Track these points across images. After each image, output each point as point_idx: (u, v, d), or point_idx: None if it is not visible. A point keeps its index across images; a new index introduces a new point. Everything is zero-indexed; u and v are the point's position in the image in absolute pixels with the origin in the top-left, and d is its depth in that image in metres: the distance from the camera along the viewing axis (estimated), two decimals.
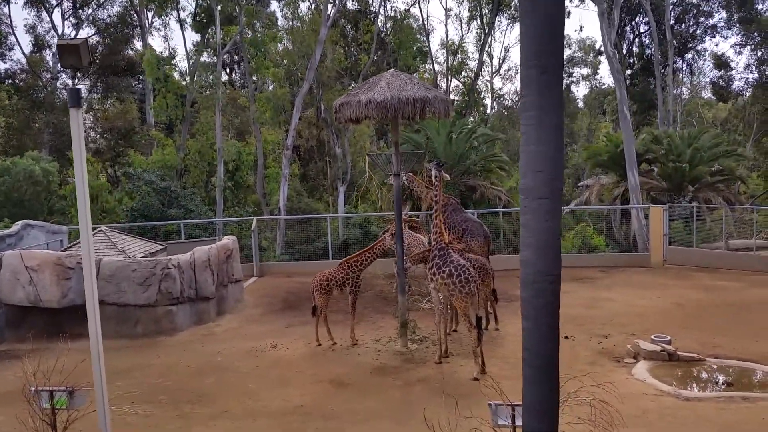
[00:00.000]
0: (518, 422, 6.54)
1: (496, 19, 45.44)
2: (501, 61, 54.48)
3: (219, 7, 26.12)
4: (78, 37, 34.57)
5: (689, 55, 36.83)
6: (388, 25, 33.34)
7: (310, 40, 24.71)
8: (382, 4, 31.53)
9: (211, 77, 26.25)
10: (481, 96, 56.39)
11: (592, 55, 54.18)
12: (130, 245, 14.97)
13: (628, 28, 36.27)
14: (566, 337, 12.01)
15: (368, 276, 17.57)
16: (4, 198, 25.78)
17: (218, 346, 12.19)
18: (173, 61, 28.94)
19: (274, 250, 23.30)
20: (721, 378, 9.89)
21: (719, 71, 38.13)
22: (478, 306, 10.13)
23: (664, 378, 9.64)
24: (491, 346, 11.64)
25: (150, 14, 34.75)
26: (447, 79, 37.50)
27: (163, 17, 32.43)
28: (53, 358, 11.79)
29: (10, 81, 37.08)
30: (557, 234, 4.20)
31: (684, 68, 37.46)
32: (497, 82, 64.62)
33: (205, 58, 33.03)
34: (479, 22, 35.70)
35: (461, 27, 40.69)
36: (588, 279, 18.70)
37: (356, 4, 31.74)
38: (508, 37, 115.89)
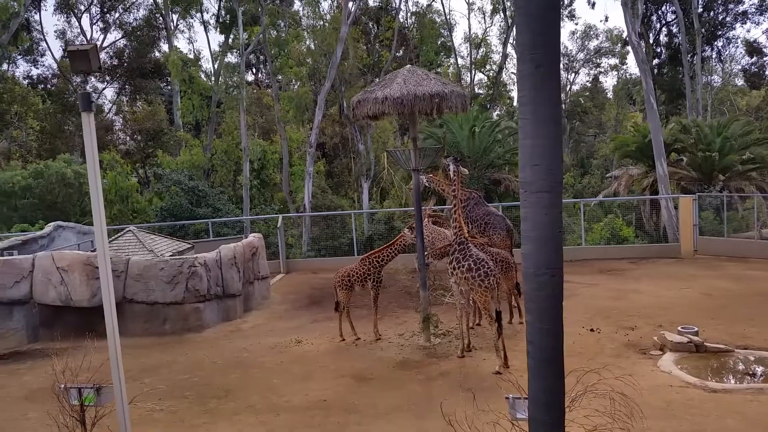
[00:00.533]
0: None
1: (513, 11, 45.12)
2: None
3: (242, 9, 26.36)
4: (90, 42, 35.26)
5: (719, 43, 36.00)
6: (409, 21, 33.28)
7: (331, 38, 24.79)
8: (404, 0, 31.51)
9: (235, 77, 26.51)
10: (508, 89, 56.20)
11: (619, 45, 53.39)
12: (158, 244, 15.27)
13: (654, 17, 35.58)
14: (592, 330, 11.93)
15: (392, 271, 17.68)
16: (39, 200, 26.48)
17: (244, 342, 12.38)
18: (198, 63, 29.27)
19: (300, 246, 23.52)
20: (750, 369, 9.71)
21: (751, 58, 37.23)
22: (498, 300, 10.10)
23: (690, 370, 9.51)
24: (515, 340, 11.59)
25: (175, 17, 35.22)
26: (470, 73, 37.32)
27: (187, 19, 32.82)
28: (82, 356, 12.15)
29: (42, 86, 37.98)
30: (557, 227, 4.19)
31: (713, 56, 36.58)
32: None
33: (230, 58, 33.48)
34: (502, 15, 35.36)
35: (484, 20, 40.48)
36: (616, 271, 18.50)
37: (378, 0, 31.76)
38: None
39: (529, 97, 4.01)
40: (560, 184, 4.21)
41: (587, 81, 58.79)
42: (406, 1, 31.70)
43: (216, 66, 27.18)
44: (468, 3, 38.39)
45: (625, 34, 47.71)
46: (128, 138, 38.91)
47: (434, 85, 10.49)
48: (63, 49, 39.77)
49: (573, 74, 57.66)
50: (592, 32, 55.11)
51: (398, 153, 12.05)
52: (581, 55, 56.96)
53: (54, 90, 37.58)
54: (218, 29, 29.91)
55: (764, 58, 34.97)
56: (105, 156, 27.65)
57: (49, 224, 16.76)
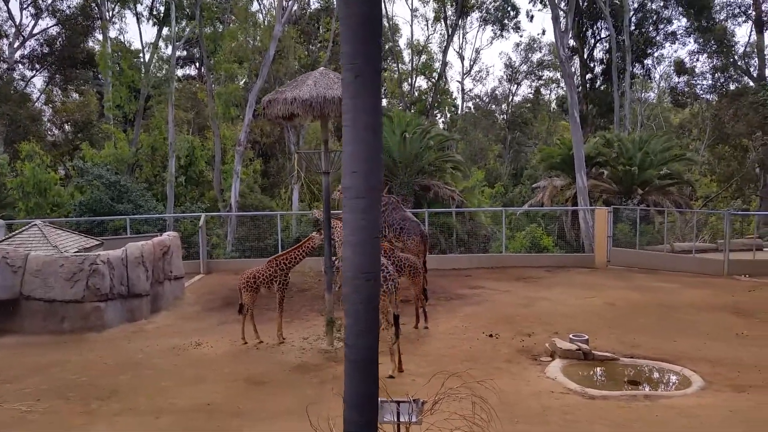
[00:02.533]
0: (403, 418, 6.66)
1: (467, 20, 45.94)
2: (472, 63, 55.19)
3: (174, 2, 25.87)
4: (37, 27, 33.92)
5: (649, 61, 37.47)
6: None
7: (264, 36, 24.59)
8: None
9: (164, 71, 25.97)
10: (453, 97, 56.98)
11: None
12: (64, 240, 14.77)
13: (589, 33, 36.77)
14: (491, 335, 12.21)
15: (301, 274, 17.67)
16: None
17: (143, 344, 12.12)
18: (128, 54, 28.47)
19: (225, 247, 23.18)
20: (631, 377, 10.11)
21: (679, 77, 38.87)
22: (397, 304, 10.21)
23: (574, 376, 9.84)
24: (416, 345, 11.78)
25: (111, 6, 34.20)
26: (411, 79, 37.63)
27: (118, 10, 31.92)
28: None
29: None
30: (374, 233, 4.29)
31: (643, 73, 38.03)
32: (468, 83, 65.15)
33: (166, 51, 32.70)
34: (443, 23, 35.84)
35: (427, 28, 40.91)
36: (532, 278, 18.99)
37: (319, 2, 31.76)
38: (479, 39, 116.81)
39: (350, 105, 4.10)
40: (377, 190, 4.30)
41: (529, 92, 60.18)
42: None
43: (146, 59, 26.56)
44: (411, 9, 38.72)
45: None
46: (56, 129, 37.55)
47: None
48: None
49: (515, 85, 58.94)
50: (535, 45, 56.48)
51: (309, 155, 12.04)
52: (524, 67, 58.21)
53: None
54: (151, 21, 29.23)
55: (687, 78, 36.50)
56: (24, 146, 26.58)
57: None
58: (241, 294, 11.94)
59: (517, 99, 59.95)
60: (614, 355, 10.77)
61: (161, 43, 28.40)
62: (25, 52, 37.65)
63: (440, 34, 37.88)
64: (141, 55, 27.44)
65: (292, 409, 8.29)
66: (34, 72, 38.44)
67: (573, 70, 42.54)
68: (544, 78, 59.15)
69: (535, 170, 34.63)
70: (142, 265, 14.36)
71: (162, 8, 28.27)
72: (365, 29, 4.01)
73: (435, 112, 54.42)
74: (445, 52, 36.00)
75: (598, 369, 10.40)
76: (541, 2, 34.65)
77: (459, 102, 56.16)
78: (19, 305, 12.69)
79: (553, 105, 57.56)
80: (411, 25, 42.63)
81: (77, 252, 14.11)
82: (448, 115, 55.35)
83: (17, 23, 37.13)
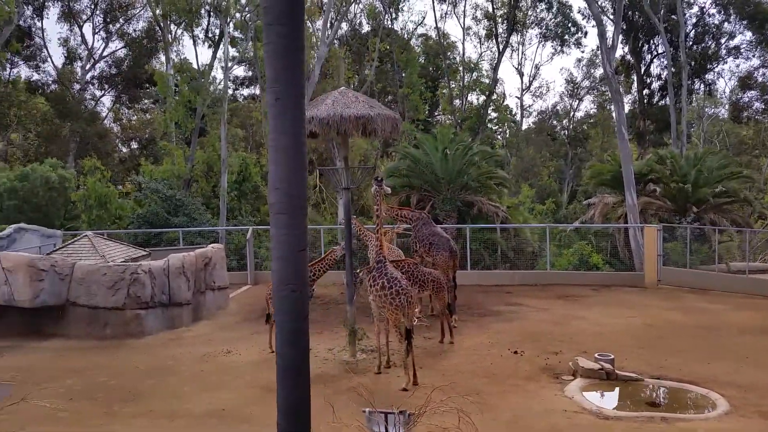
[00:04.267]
0: (391, 429, 6.75)
1: (525, 36, 45.70)
2: (531, 78, 54.76)
3: (230, 24, 27.03)
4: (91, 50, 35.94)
5: (709, 76, 36.18)
6: (394, 45, 33.82)
7: (308, 57, 25.28)
8: (392, 23, 32.12)
9: (218, 91, 27.08)
10: (513, 113, 56.56)
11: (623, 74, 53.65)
12: (112, 250, 15.60)
13: (645, 48, 35.89)
14: (515, 352, 12.08)
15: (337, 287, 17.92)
16: (22, 203, 26.97)
17: (177, 350, 12.62)
18: (185, 74, 29.85)
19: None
20: (651, 398, 9.82)
21: (743, 93, 37.39)
22: (410, 318, 10.29)
23: (593, 396, 9.64)
24: (438, 359, 11.80)
25: (174, 29, 35.95)
26: (462, 96, 37.70)
27: (181, 32, 33.51)
28: (22, 355, 12.47)
29: (40, 91, 38.82)
30: (298, 247, 4.45)
31: (702, 89, 36.74)
32: (528, 99, 64.55)
33: (220, 73, 34.07)
34: (494, 41, 35.83)
35: (480, 45, 40.99)
36: (574, 297, 18.61)
37: (369, 24, 32.42)
38: (539, 54, 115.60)
39: (271, 126, 4.34)
40: (300, 207, 4.46)
41: (592, 108, 58.94)
42: (391, 25, 32.23)
43: (201, 79, 27.75)
44: (463, 28, 38.82)
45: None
46: (122, 146, 39.67)
47: (361, 108, 10.79)
48: (65, 56, 40.74)
49: (577, 101, 57.93)
50: (597, 60, 55.33)
51: (330, 172, 12.34)
52: (587, 83, 57.11)
53: (52, 95, 38.37)
54: (207, 43, 30.60)
55: (751, 93, 35.05)
56: (86, 162, 28.18)
57: (10, 226, 17.17)
58: (268, 304, 12.29)
59: (579, 114, 58.93)
60: (639, 375, 10.48)
61: (220, 64, 29.71)
62: (95, 74, 40.01)
63: (491, 51, 37.90)
64: (197, 75, 28.69)
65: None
66: (103, 92, 40.77)
67: (630, 85, 41.72)
68: (607, 93, 57.84)
69: (588, 187, 33.93)
70: (183, 276, 14.98)
71: (217, 31, 29.52)
72: (286, 56, 4.23)
73: (495, 129, 54.25)
74: (495, 69, 35.94)
75: (620, 389, 10.14)
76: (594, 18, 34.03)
77: (518, 118, 55.86)
78: (66, 311, 13.48)
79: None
80: (463, 43, 42.49)
81: (123, 262, 14.87)
82: (507, 131, 54.99)
83: (89, 46, 39.54)
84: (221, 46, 28.25)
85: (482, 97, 37.56)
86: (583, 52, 74.27)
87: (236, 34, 28.82)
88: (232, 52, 28.65)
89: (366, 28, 32.19)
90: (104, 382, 10.47)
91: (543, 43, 47.37)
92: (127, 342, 13.28)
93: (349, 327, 11.76)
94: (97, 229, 23.86)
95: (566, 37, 44.33)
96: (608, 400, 9.67)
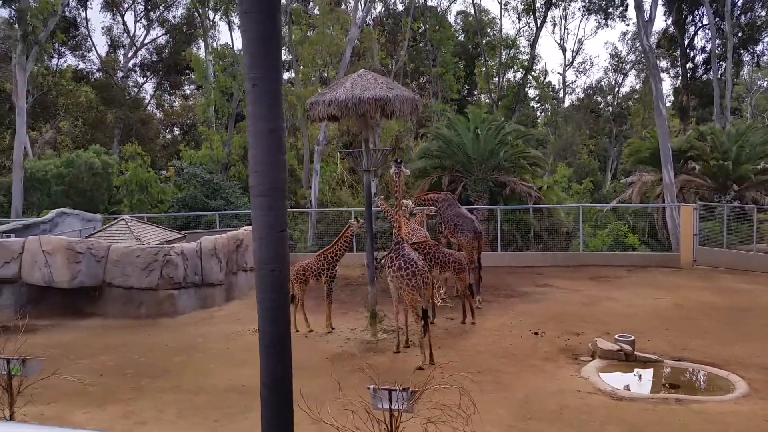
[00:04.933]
0: (395, 406, 6.93)
1: (561, 11, 44.64)
2: (574, 54, 53.54)
3: None
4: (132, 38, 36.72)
5: (760, 47, 34.70)
6: (429, 24, 33.52)
7: (339, 40, 25.37)
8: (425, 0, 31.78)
9: None
10: (556, 90, 55.46)
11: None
12: (147, 233, 16.18)
13: (689, 20, 34.62)
14: (536, 333, 12.09)
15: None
16: (69, 188, 28.13)
17: (207, 329, 13.09)
18: (222, 61, 30.34)
19: (306, 241, 24.23)
20: (669, 380, 9.75)
21: None
22: (427, 299, 10.43)
23: (609, 377, 9.63)
24: (458, 339, 11.92)
25: (212, 15, 36.49)
26: (499, 74, 37.19)
27: (220, 17, 33.96)
28: (61, 333, 13.14)
29: (86, 80, 40.06)
30: (277, 228, 4.61)
31: (752, 60, 35.27)
32: (570, 75, 63.19)
33: None
34: (532, 16, 35.14)
35: (518, 20, 40.23)
36: (607, 278, 18.40)
37: (403, 4, 32.22)
38: (582, 29, 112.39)
39: (250, 112, 4.49)
40: (279, 189, 4.61)
41: (637, 83, 57.22)
42: (424, 2, 31.80)
43: (238, 65, 28.16)
44: (501, 3, 38.13)
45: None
46: (165, 132, 40.67)
47: (379, 90, 10.89)
48: (108, 45, 41.88)
49: (622, 76, 56.41)
50: (643, 33, 53.64)
51: (351, 154, 12.49)
52: (632, 57, 55.44)
53: (97, 83, 39.57)
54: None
55: None
56: (127, 148, 29.09)
57: (52, 211, 17.95)
58: (292, 285, 12.60)
59: (624, 90, 57.39)
60: (658, 357, 10.39)
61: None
62: (137, 61, 41.04)
63: (530, 26, 37.18)
64: (234, 61, 29.10)
65: (310, 394, 8.74)
66: (145, 79, 41.81)
67: (675, 59, 40.34)
68: (667, 68, 55.97)
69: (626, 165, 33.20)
70: (215, 257, 15.45)
71: None
72: (262, 42, 4.36)
73: (536, 106, 53.29)
74: (533, 45, 35.29)
75: (638, 371, 10.07)
76: None
77: (561, 95, 54.72)
78: (103, 291, 14.11)
79: (670, 96, 54.54)
80: (500, 19, 41.79)
81: (158, 244, 15.42)
82: (549, 109, 53.94)
83: (131, 34, 40.51)
84: None
85: (519, 75, 36.98)
86: (628, 25, 72.01)
87: None
88: None
89: (400, 7, 32.05)
90: (135, 359, 10.98)
91: (586, 16, 46.23)
92: (161, 321, 13.83)
93: (369, 308, 11.98)
94: (138, 213, 24.72)
95: (610, 9, 43.08)
96: (624, 381, 9.64)
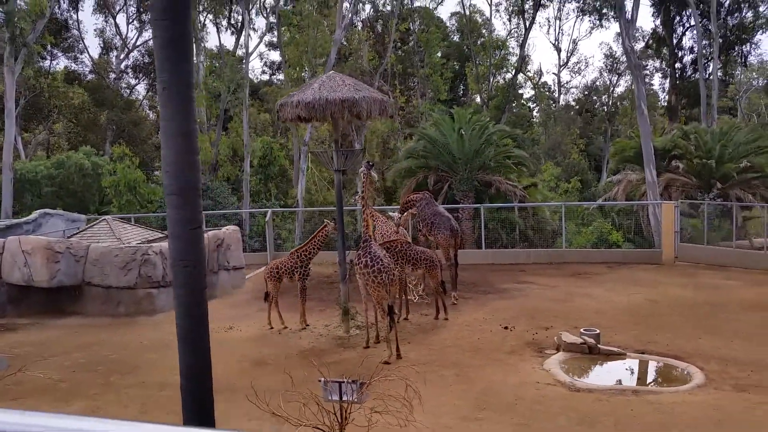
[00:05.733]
0: (345, 397, 7.10)
1: (555, 12, 44.83)
2: (569, 54, 53.74)
3: (250, 14, 27.50)
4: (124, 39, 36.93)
5: (746, 48, 34.86)
6: (416, 25, 33.73)
7: (324, 41, 25.57)
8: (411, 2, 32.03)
9: (238, 77, 27.65)
10: (552, 90, 55.61)
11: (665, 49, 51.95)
12: (128, 233, 16.35)
13: (677, 20, 34.79)
14: (506, 327, 12.27)
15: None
16: (60, 189, 28.31)
17: None
18: (212, 61, 30.55)
19: (293, 240, 24.40)
20: (629, 372, 9.92)
21: None
22: (393, 295, 10.60)
23: (570, 370, 9.80)
24: (428, 334, 12.10)
25: (202, 17, 36.68)
26: (489, 76, 37.39)
27: (212, 19, 34.21)
28: (39, 331, 13.30)
29: (78, 81, 40.26)
30: (191, 225, 4.78)
31: (739, 61, 35.43)
32: (566, 76, 63.36)
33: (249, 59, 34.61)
34: (521, 18, 35.33)
35: (509, 22, 40.46)
36: (588, 274, 18.59)
37: (390, 6, 32.43)
38: (577, 29, 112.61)
39: (161, 114, 4.68)
40: (191, 188, 4.78)
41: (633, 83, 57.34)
42: (411, 4, 32.04)
43: (222, 66, 28.42)
44: (491, 5, 38.32)
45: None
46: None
47: (346, 92, 11.06)
48: (101, 47, 42.09)
49: (616, 76, 56.53)
50: (638, 34, 53.65)
51: (322, 154, 12.67)
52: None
53: (89, 85, 39.76)
54: (229, 31, 31.25)
55: None
56: (116, 149, 29.29)
57: (35, 211, 18.13)
58: (266, 283, 12.78)
59: (619, 90, 57.53)
60: (621, 350, 10.57)
61: (241, 51, 30.28)
62: (129, 63, 41.22)
63: (520, 28, 37.35)
64: (223, 61, 29.32)
65: (274, 388, 8.92)
66: (137, 80, 42.00)
67: (662, 59, 40.46)
68: (648, 68, 56.21)
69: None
70: None
71: (240, 18, 30.07)
72: (172, 47, 4.54)
73: (532, 106, 53.46)
74: (522, 46, 35.46)
75: (600, 364, 10.26)
76: None
77: (556, 95, 54.88)
78: (82, 290, 14.29)
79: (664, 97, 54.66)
80: (490, 20, 41.97)
81: (139, 243, 15.59)
82: (542, 109, 54.08)
83: (123, 37, 40.73)
84: (243, 33, 28.81)
85: (509, 75, 37.15)
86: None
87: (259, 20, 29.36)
88: (254, 38, 29.16)
89: (389, 8, 32.21)
90: (107, 356, 11.15)
91: (581, 17, 46.43)
92: (139, 319, 14.00)
93: (342, 305, 12.15)
94: (127, 213, 24.89)
95: (605, 10, 43.25)
96: (584, 374, 9.82)
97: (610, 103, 56.36)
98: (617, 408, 8.18)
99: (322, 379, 7.21)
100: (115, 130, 37.78)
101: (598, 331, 11.00)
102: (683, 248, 20.19)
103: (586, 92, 57.49)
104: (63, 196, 28.31)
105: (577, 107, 55.64)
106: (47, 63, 39.34)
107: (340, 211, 12.05)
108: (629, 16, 22.47)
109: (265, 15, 29.68)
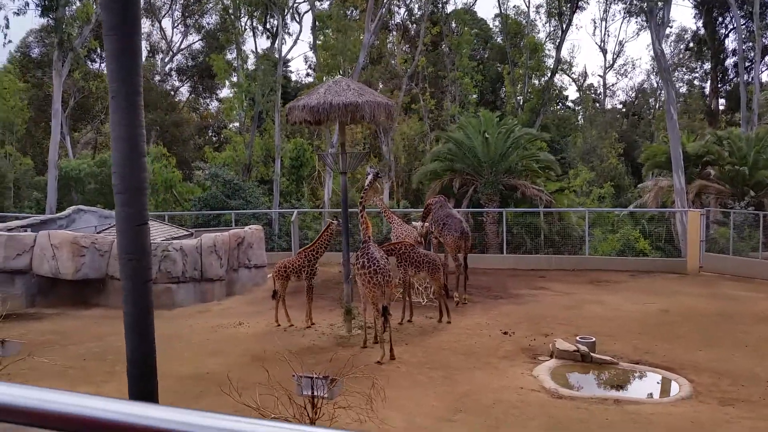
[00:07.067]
0: (318, 392, 7.44)
1: (608, 13, 44.13)
2: (615, 56, 52.84)
3: (283, 18, 28.17)
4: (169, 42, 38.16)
5: None
6: (450, 25, 33.84)
7: (353, 45, 26.01)
8: (442, 7, 32.20)
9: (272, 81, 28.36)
10: (598, 92, 54.77)
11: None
12: (155, 230, 17.04)
13: (719, 21, 33.86)
14: (505, 333, 12.39)
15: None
16: (101, 186, 29.61)
17: (197, 321, 13.84)
18: (246, 66, 31.44)
19: None
20: (617, 381, 9.93)
21: None
22: (388, 297, 10.88)
23: (559, 377, 9.88)
24: (426, 337, 12.32)
25: (243, 20, 37.67)
26: (525, 78, 37.19)
27: (254, 24, 35.13)
28: (62, 321, 14.09)
29: None
30: (136, 222, 5.17)
31: None
32: (611, 78, 62.22)
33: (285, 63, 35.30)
34: (557, 20, 35.07)
35: (548, 24, 40.10)
36: (607, 282, 18.46)
37: (422, 9, 32.64)
38: (624, 31, 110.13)
39: (111, 119, 5.11)
40: (137, 188, 5.18)
41: (680, 86, 56.02)
42: (444, 8, 32.18)
43: (257, 69, 29.19)
44: (528, 6, 38.05)
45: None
46: (198, 134, 42.19)
47: (350, 96, 11.41)
48: (147, 50, 43.61)
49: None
50: (686, 35, 52.37)
51: (328, 156, 13.04)
52: (676, 59, 54.27)
53: None
54: (265, 35, 32.04)
55: None
56: (152, 149, 30.43)
57: (69, 207, 19.09)
58: (274, 282, 13.24)
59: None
60: (614, 359, 10.57)
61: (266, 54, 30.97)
62: (173, 65, 42.66)
63: (552, 29, 37.08)
64: (254, 65, 30.13)
65: (263, 382, 9.33)
66: (181, 83, 43.40)
67: (704, 62, 39.40)
68: (698, 70, 54.76)
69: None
70: (215, 254, 16.22)
71: (275, 22, 30.80)
72: (121, 58, 4.95)
73: (576, 108, 52.78)
74: (558, 48, 35.13)
75: (590, 372, 10.30)
76: None
77: (601, 97, 54.02)
78: (106, 284, 15.05)
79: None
80: (528, 22, 41.63)
81: (164, 240, 16.30)
82: (585, 112, 53.28)
83: (168, 40, 42.16)
84: (278, 37, 29.54)
85: (544, 78, 36.89)
86: (671, 27, 70.43)
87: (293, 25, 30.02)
88: (288, 42, 29.83)
89: (418, 12, 32.48)
90: (119, 346, 11.67)
91: (627, 18, 45.67)
92: (158, 313, 14.18)
93: (345, 305, 12.50)
94: (162, 211, 25.89)
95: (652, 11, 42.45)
96: (571, 381, 9.89)
97: (657, 106, 55.14)
98: (593, 416, 8.26)
99: (295, 374, 7.57)
100: (158, 130, 39.16)
101: (593, 339, 11.05)
102: (709, 258, 19.80)
103: (633, 95, 56.45)
104: (105, 193, 29.56)
105: (624, 110, 54.66)
106: (96, 66, 41.03)
107: (345, 212, 12.40)
108: (659, 19, 22.11)
109: (298, 20, 30.35)
